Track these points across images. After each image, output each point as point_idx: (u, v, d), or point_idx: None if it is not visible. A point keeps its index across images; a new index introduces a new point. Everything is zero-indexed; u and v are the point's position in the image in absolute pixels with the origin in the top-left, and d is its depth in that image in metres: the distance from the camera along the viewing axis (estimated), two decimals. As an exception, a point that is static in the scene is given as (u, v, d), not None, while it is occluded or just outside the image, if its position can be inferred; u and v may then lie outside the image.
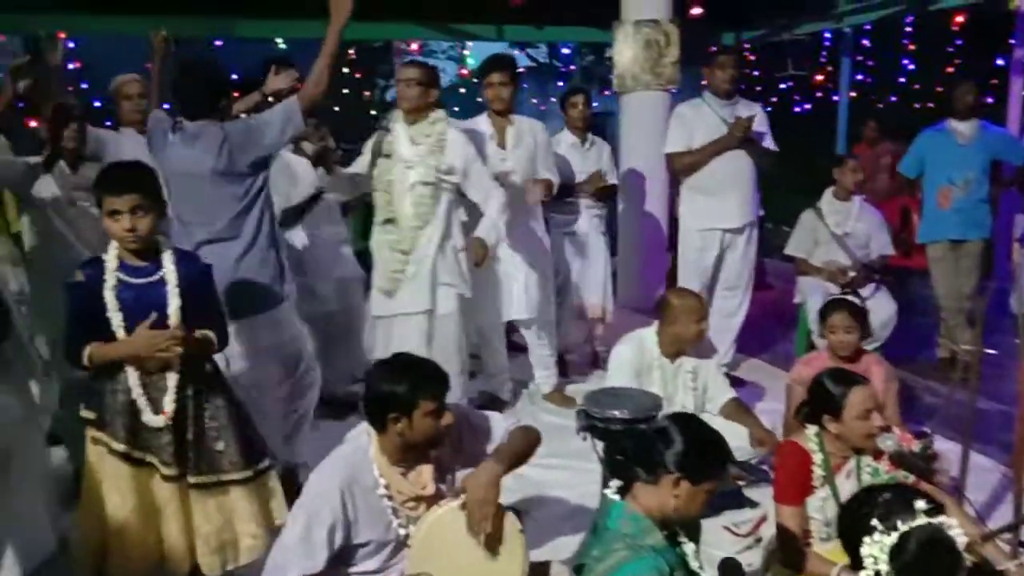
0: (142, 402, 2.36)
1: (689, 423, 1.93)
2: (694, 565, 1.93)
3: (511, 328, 4.59)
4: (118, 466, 2.38)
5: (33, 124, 3.89)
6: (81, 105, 3.70)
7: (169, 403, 2.39)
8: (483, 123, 4.16)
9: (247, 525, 2.52)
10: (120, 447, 2.36)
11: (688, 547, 1.94)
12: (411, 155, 3.51)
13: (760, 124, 4.47)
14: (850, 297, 3.30)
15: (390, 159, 3.55)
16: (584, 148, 4.81)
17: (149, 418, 2.37)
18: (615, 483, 1.94)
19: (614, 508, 1.89)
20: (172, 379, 2.40)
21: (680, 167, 4.55)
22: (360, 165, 3.76)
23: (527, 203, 4.09)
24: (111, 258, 2.37)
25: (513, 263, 4.16)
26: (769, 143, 4.56)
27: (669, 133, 4.56)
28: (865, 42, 9.18)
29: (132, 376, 2.35)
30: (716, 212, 4.49)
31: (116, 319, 2.32)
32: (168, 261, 2.41)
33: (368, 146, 3.69)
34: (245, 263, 3.01)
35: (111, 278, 2.34)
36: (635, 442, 1.95)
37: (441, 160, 3.51)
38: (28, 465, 2.72)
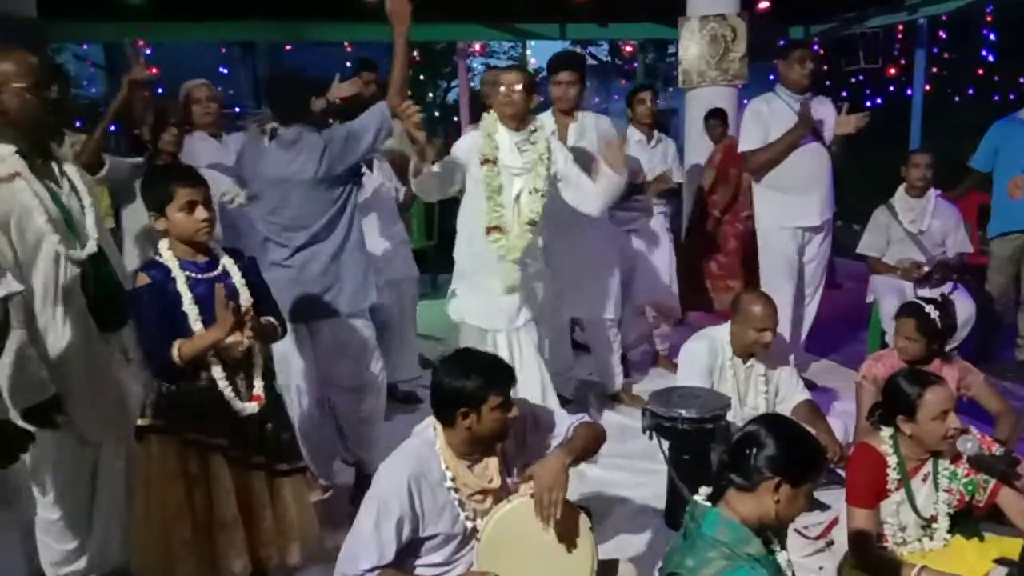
0: (229, 393, 2.37)
1: (779, 424, 1.87)
2: (788, 575, 1.88)
3: (573, 326, 4.60)
4: (208, 463, 2.38)
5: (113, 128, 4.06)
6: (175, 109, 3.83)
7: (259, 388, 2.45)
8: (547, 121, 4.14)
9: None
10: (220, 442, 2.37)
11: (781, 556, 1.88)
12: (520, 164, 3.39)
13: (831, 119, 4.33)
14: (928, 308, 3.09)
15: (495, 165, 3.37)
16: (650, 145, 4.78)
17: (240, 407, 2.39)
18: (704, 490, 1.91)
19: (709, 515, 1.84)
20: (257, 367, 2.47)
21: (756, 165, 4.39)
22: (450, 165, 3.52)
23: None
24: (170, 257, 2.36)
25: (583, 261, 4.10)
26: (830, 135, 4.39)
27: (744, 131, 4.42)
28: (941, 33, 8.86)
29: (217, 370, 2.37)
30: (797, 210, 4.34)
31: (193, 312, 2.33)
32: (224, 255, 2.47)
33: (463, 147, 3.49)
34: (337, 264, 3.13)
35: (180, 274, 2.34)
36: (728, 449, 1.91)
37: (551, 168, 3.41)
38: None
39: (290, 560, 2.52)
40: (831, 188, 4.42)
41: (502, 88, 3.38)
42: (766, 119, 4.35)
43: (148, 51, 7.94)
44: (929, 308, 3.08)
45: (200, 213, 2.34)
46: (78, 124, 3.53)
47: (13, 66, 2.33)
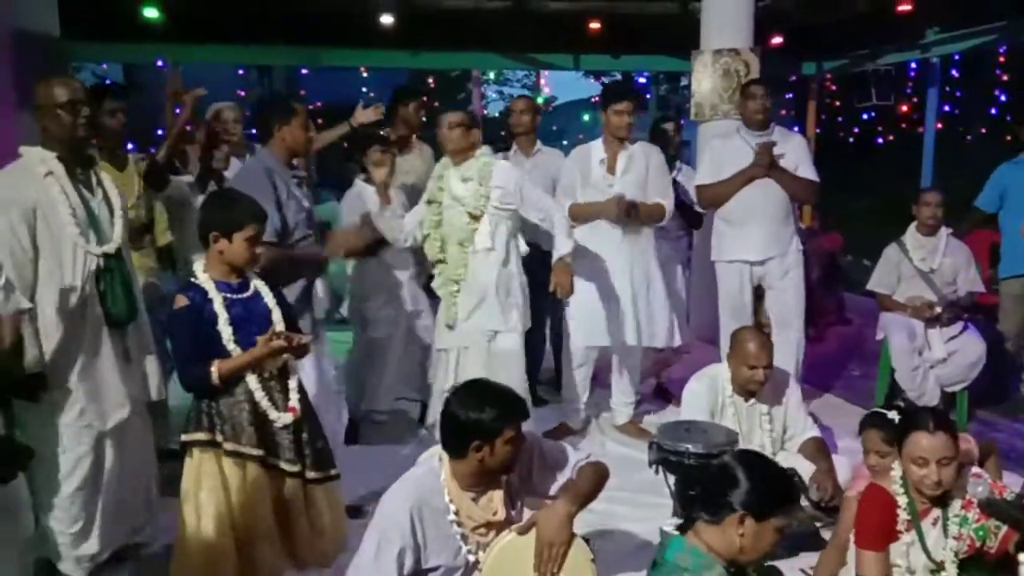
0: (265, 404, 2.47)
1: (752, 460, 1.91)
2: None
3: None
4: (246, 473, 2.46)
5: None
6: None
7: (295, 400, 2.55)
8: (596, 148, 4.21)
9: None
10: (258, 452, 2.46)
11: None
12: (463, 192, 3.56)
13: (795, 153, 4.31)
14: (890, 414, 2.82)
15: (440, 204, 3.62)
16: (671, 174, 4.78)
17: (276, 416, 2.49)
18: (674, 519, 1.97)
19: (673, 542, 1.89)
20: (293, 379, 2.57)
21: (706, 199, 4.45)
22: (416, 213, 3.81)
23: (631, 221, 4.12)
24: (206, 279, 2.49)
25: (632, 287, 4.14)
26: (808, 172, 4.33)
27: (699, 165, 4.49)
28: (954, 72, 8.91)
29: (252, 381, 2.46)
30: (740, 244, 4.36)
31: (227, 332, 2.43)
32: (255, 278, 2.59)
33: (424, 197, 3.77)
34: None
35: (216, 296, 2.46)
36: (700, 481, 1.93)
37: (489, 189, 3.54)
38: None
39: (326, 566, 2.61)
40: (782, 223, 4.33)
41: (441, 128, 3.60)
42: (719, 154, 4.39)
43: (166, 71, 8.05)
44: (892, 414, 2.83)
45: (258, 248, 2.52)
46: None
47: (60, 90, 2.63)
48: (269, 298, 2.57)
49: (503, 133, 4.84)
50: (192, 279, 2.50)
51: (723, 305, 4.51)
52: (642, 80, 11.61)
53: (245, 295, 2.53)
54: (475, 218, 3.53)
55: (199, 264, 2.52)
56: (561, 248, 3.61)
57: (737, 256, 4.39)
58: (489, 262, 3.57)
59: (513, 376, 3.52)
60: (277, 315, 2.55)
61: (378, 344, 4.23)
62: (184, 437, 2.48)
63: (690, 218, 4.88)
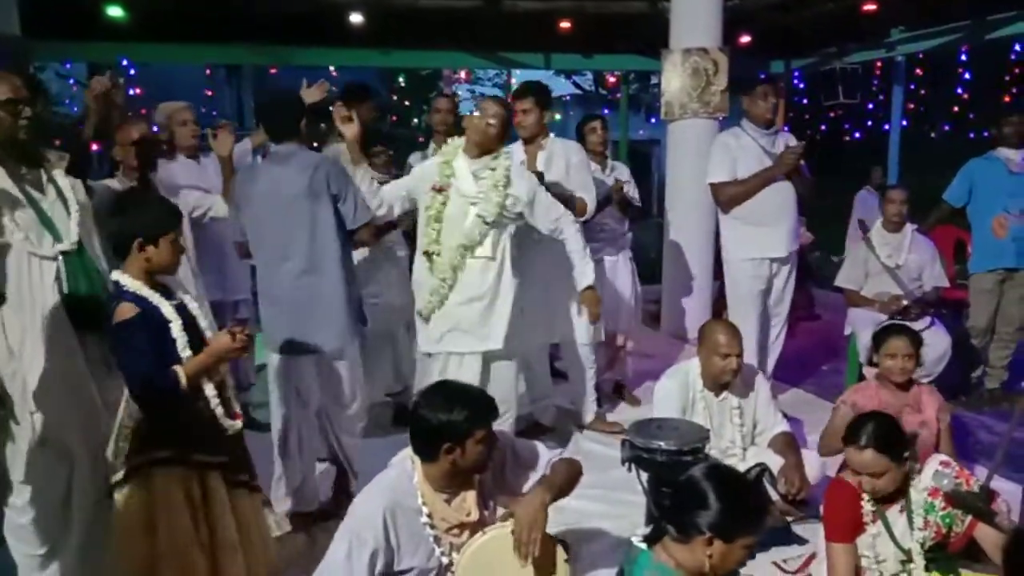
0: (220, 411, 2.42)
1: (722, 479, 1.87)
2: None
3: (552, 354, 4.58)
4: (208, 484, 2.40)
5: (94, 147, 4.00)
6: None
7: (238, 407, 2.50)
8: (517, 149, 4.16)
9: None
10: (223, 459, 2.42)
11: None
12: (474, 192, 3.39)
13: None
14: (908, 323, 3.20)
15: (443, 193, 3.41)
16: (605, 173, 4.81)
17: (228, 424, 2.44)
18: (642, 531, 1.93)
19: (641, 556, 1.87)
20: (230, 388, 2.51)
21: (726, 197, 4.45)
22: (400, 187, 3.61)
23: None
24: (140, 286, 2.33)
25: (561, 287, 4.10)
26: (806, 171, 4.52)
27: (712, 163, 4.49)
28: (918, 71, 9.07)
29: (209, 389, 2.40)
30: (766, 241, 4.41)
31: (182, 338, 2.34)
32: (174, 284, 2.51)
33: (417, 172, 3.61)
34: (325, 300, 3.10)
35: (164, 303, 2.35)
36: (670, 498, 1.91)
37: (506, 195, 3.39)
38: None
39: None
40: (796, 221, 4.51)
41: (476, 114, 3.44)
42: (734, 153, 4.41)
43: (132, 71, 7.94)
44: (908, 323, 3.16)
45: (180, 250, 2.43)
46: (56, 143, 3.45)
47: None
48: (195, 306, 2.48)
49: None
50: (123, 288, 2.32)
51: (741, 302, 4.52)
52: (612, 79, 11.66)
53: (175, 302, 2.41)
54: (487, 224, 3.37)
55: (118, 274, 2.36)
56: (584, 277, 3.58)
57: (763, 253, 4.44)
58: (487, 270, 3.44)
59: (504, 382, 3.50)
60: (205, 321, 2.47)
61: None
62: (142, 458, 2.35)
63: (632, 212, 4.88)
